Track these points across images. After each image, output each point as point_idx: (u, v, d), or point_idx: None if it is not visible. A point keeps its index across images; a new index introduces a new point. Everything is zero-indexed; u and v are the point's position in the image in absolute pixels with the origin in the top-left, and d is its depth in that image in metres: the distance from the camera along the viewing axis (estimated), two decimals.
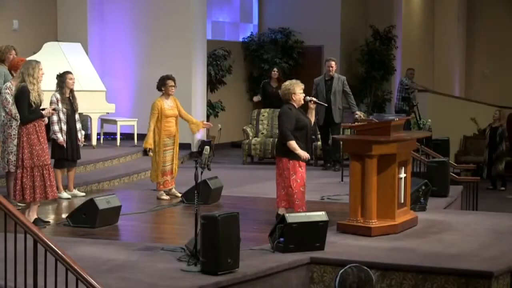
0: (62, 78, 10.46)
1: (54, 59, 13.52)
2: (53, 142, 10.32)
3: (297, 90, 8.71)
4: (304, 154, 8.57)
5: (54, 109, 9.07)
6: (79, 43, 14.84)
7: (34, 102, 8.42)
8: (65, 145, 10.33)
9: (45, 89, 9.19)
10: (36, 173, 8.46)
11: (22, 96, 8.40)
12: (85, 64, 14.40)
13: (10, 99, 9.33)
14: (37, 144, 8.45)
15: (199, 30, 15.44)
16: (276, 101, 15.33)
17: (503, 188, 17.04)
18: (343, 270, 3.95)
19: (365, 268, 3.98)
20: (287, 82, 8.87)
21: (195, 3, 15.31)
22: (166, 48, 15.32)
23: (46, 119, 8.74)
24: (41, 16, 15.38)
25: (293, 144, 8.56)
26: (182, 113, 10.91)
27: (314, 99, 9.02)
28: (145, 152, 13.88)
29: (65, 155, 10.38)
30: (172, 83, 10.71)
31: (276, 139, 9.02)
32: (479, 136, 20.52)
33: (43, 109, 8.63)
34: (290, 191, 8.62)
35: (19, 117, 8.63)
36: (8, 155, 9.52)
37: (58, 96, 10.37)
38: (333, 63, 13.52)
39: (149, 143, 10.66)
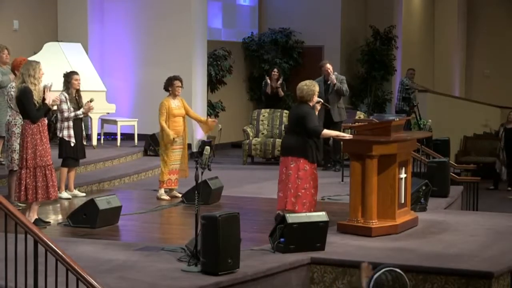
0: (68, 79, 10.55)
1: (54, 59, 13.52)
2: (60, 141, 10.38)
3: (317, 91, 8.85)
4: (349, 135, 9.04)
5: (44, 91, 8.91)
6: (79, 43, 14.85)
7: (37, 102, 8.44)
8: (72, 142, 10.36)
9: None
10: (39, 173, 8.46)
11: (26, 97, 8.40)
12: (85, 64, 14.40)
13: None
14: (40, 144, 8.47)
15: (199, 30, 15.43)
16: (275, 101, 15.39)
17: (509, 188, 16.98)
18: (377, 275, 3.80)
19: (400, 273, 3.83)
20: (309, 83, 8.90)
21: (196, 3, 15.31)
22: (166, 48, 15.33)
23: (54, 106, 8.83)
24: (41, 16, 15.38)
25: (329, 132, 8.99)
26: (191, 113, 11.02)
27: (321, 100, 9.20)
28: (146, 152, 13.91)
29: (71, 154, 10.42)
30: (179, 84, 10.76)
31: (293, 140, 8.79)
32: (482, 137, 20.52)
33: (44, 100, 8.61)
34: (303, 192, 8.59)
35: (28, 117, 8.56)
36: (12, 153, 9.54)
37: (66, 95, 10.43)
38: (329, 65, 13.30)
39: (171, 133, 10.57)
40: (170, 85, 10.75)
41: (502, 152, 17.16)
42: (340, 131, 13.11)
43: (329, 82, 13.17)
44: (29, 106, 8.42)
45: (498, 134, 17.56)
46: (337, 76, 13.33)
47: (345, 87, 13.21)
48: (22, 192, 8.46)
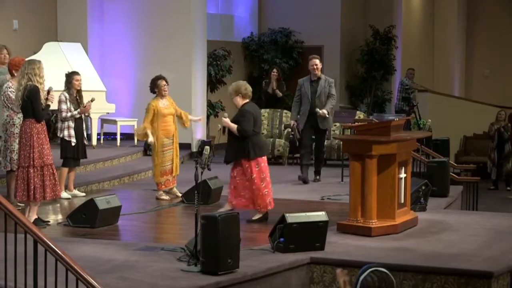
0: (69, 79, 10.55)
1: (54, 59, 13.52)
2: (61, 141, 10.38)
3: None
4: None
5: (48, 92, 8.90)
6: (79, 43, 14.84)
7: (42, 101, 8.48)
8: (72, 142, 10.36)
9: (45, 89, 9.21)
10: (46, 172, 8.47)
11: (36, 96, 8.42)
12: (85, 64, 14.40)
13: (13, 97, 9.34)
14: (46, 143, 8.52)
15: (199, 30, 15.43)
16: (275, 101, 15.38)
17: (508, 188, 16.98)
18: (363, 277, 3.80)
19: (385, 272, 3.81)
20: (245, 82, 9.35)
21: (195, 3, 15.31)
22: (166, 48, 15.32)
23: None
24: (41, 16, 15.38)
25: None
26: (178, 112, 10.89)
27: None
28: (145, 151, 13.90)
29: (71, 154, 10.42)
30: (164, 83, 10.72)
31: (262, 139, 9.33)
32: (482, 136, 20.48)
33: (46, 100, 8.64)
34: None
35: (34, 116, 8.56)
36: (10, 153, 9.52)
37: (66, 95, 10.44)
38: (317, 61, 11.87)
39: (151, 138, 10.62)
40: (155, 86, 10.71)
41: (494, 151, 17.19)
42: (324, 139, 12.39)
43: (313, 79, 11.85)
44: (37, 105, 8.45)
45: (489, 133, 17.56)
46: (326, 79, 11.95)
47: (333, 91, 11.91)
48: (31, 192, 8.44)
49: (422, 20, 23.67)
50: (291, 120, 12.42)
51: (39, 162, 8.44)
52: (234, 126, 8.98)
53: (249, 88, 9.17)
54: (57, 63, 13.30)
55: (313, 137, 12.04)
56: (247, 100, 9.12)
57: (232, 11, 19.29)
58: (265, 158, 9.11)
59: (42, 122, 8.55)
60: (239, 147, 8.98)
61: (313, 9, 19.27)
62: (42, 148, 8.46)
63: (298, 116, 12.00)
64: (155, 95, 10.78)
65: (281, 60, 18.63)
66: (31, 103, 8.45)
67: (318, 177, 12.24)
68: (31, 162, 8.43)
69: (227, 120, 9.12)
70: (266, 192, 9.02)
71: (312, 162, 12.35)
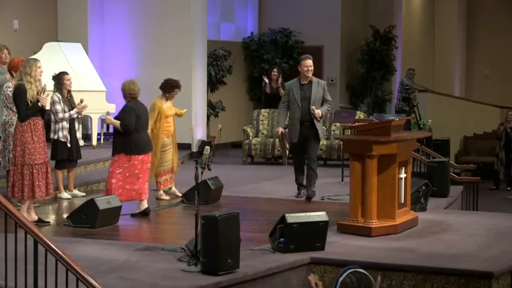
0: (60, 80, 10.51)
1: (54, 59, 13.51)
2: (54, 143, 10.34)
3: None
4: None
5: (37, 93, 8.86)
6: (79, 43, 14.84)
7: (30, 101, 8.43)
8: (68, 143, 10.34)
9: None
10: (26, 171, 8.46)
11: (19, 94, 8.42)
12: (85, 64, 14.40)
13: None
14: (30, 142, 8.46)
15: (199, 30, 15.44)
16: (276, 101, 15.37)
17: (509, 189, 16.95)
18: (342, 278, 3.84)
19: (364, 273, 3.86)
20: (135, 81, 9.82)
21: (195, 3, 15.31)
22: (166, 48, 15.33)
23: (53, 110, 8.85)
24: (41, 16, 15.38)
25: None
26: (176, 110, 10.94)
27: None
28: None
29: (67, 156, 10.39)
30: (178, 91, 10.77)
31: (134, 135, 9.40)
32: (482, 136, 20.47)
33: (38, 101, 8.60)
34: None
35: (17, 114, 8.62)
36: (9, 153, 9.52)
37: (59, 95, 10.42)
38: (310, 62, 10.43)
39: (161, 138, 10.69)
40: (168, 91, 10.69)
41: (502, 151, 17.14)
42: (318, 150, 11.02)
43: (303, 83, 10.47)
44: (20, 104, 8.44)
45: (497, 133, 17.50)
46: (318, 82, 10.56)
47: (328, 96, 10.58)
48: (10, 189, 8.51)
49: (423, 20, 23.68)
50: (278, 127, 10.82)
51: (20, 160, 8.46)
52: (116, 122, 9.44)
53: (133, 87, 9.67)
54: (57, 63, 13.28)
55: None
56: (133, 98, 9.59)
57: (233, 17, 19.29)
58: (141, 156, 9.35)
59: (33, 121, 8.50)
60: (120, 142, 9.42)
61: (313, 9, 19.27)
62: (24, 147, 8.45)
63: (286, 123, 10.86)
64: (160, 93, 10.76)
65: (281, 60, 18.64)
66: (15, 101, 8.46)
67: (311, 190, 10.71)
68: (13, 160, 8.48)
69: (110, 118, 9.68)
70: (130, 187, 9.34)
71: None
